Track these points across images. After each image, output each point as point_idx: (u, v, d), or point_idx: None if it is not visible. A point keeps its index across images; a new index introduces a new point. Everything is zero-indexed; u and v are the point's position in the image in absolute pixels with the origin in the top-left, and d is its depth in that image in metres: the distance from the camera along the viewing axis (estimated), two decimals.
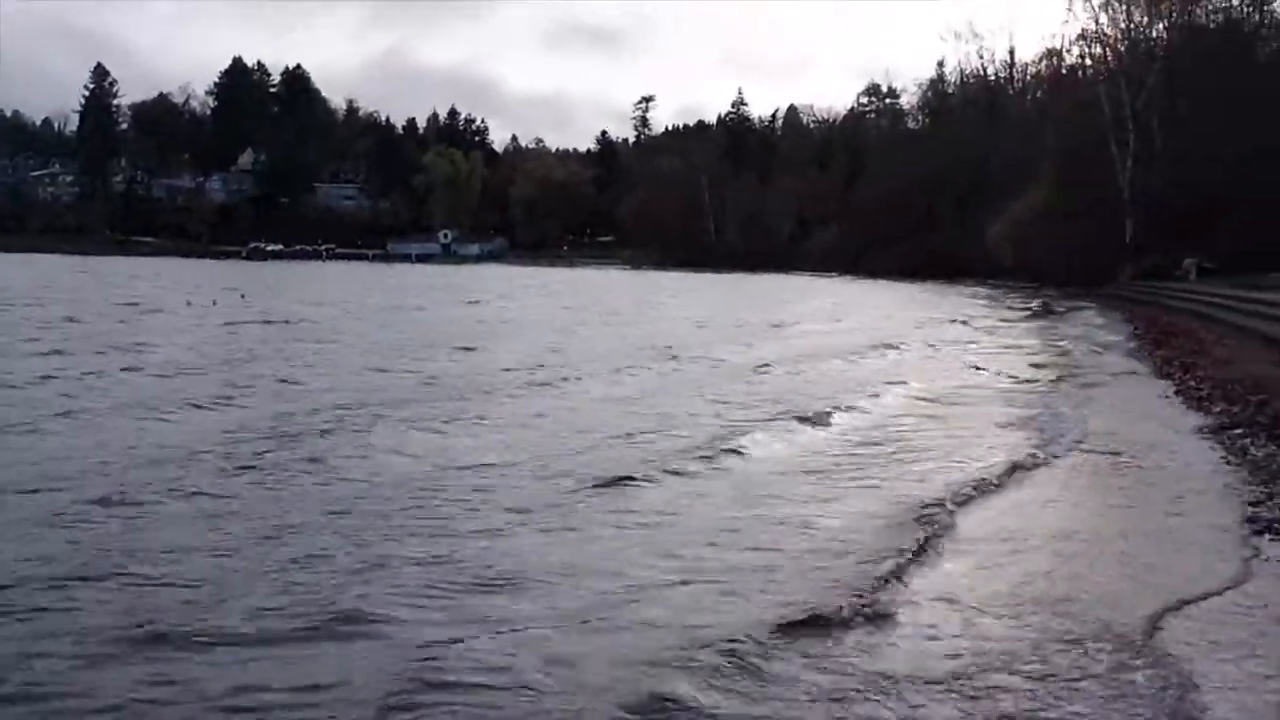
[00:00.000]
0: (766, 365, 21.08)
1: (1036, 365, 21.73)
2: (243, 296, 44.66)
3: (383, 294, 53.58)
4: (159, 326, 29.07)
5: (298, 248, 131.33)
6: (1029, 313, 42.85)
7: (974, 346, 26.54)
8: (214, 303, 40.63)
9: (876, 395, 16.87)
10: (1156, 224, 56.94)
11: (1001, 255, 70.37)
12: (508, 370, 19.62)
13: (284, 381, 17.53)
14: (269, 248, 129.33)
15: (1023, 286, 64.15)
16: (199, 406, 14.25)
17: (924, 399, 16.62)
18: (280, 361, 20.57)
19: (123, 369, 18.54)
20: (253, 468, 10.21)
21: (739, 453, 11.52)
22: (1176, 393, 16.74)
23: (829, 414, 14.31)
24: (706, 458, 11.18)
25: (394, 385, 17.32)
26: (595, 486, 9.66)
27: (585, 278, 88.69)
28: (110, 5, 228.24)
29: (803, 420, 13.76)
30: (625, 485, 9.72)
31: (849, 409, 15.01)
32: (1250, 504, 9.16)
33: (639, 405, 15.49)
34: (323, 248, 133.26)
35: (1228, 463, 11.07)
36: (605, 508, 8.94)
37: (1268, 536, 8.17)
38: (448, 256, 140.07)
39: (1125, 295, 49.04)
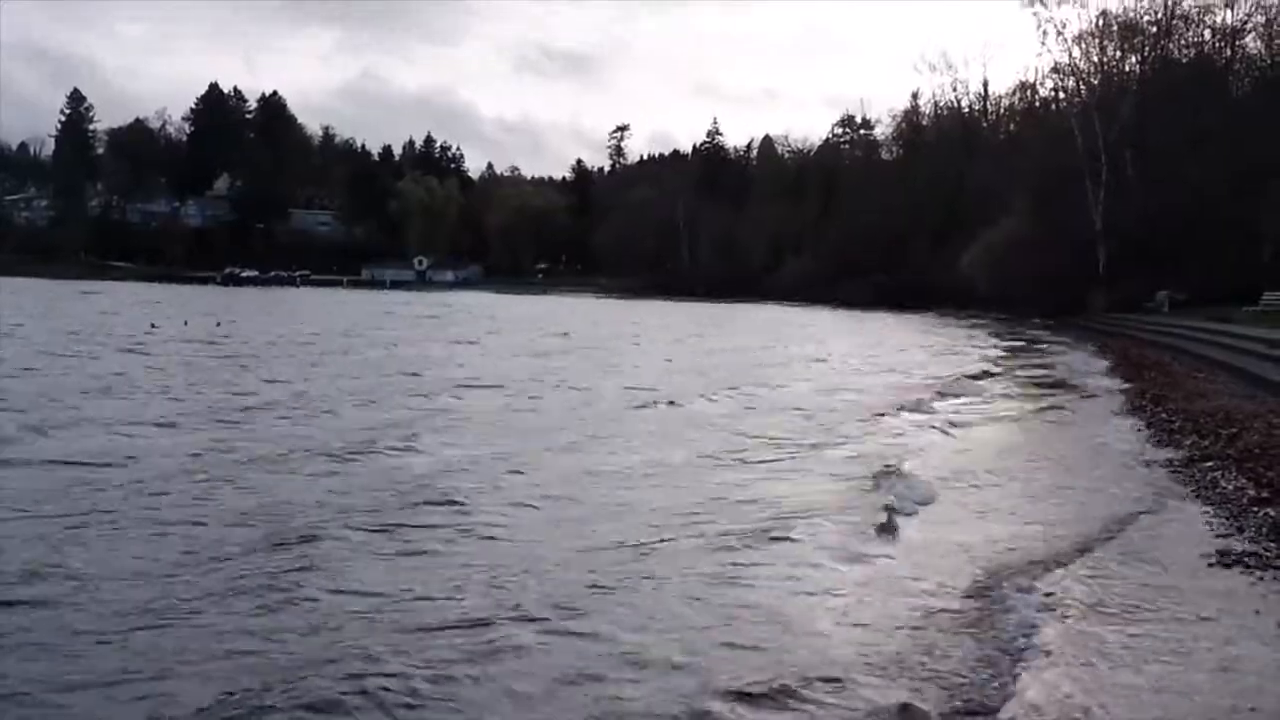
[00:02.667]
0: None
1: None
2: (218, 324, 44.70)
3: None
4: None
5: (273, 273, 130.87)
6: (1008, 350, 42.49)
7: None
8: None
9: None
10: (1129, 254, 57.41)
11: (975, 284, 70.65)
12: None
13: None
14: (244, 273, 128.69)
15: (997, 317, 64.44)
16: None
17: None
18: None
19: None
20: None
21: None
22: (1148, 426, 16.86)
23: None
24: None
25: None
26: None
27: (594, 308, 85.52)
28: (82, 30, 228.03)
29: None
30: None
31: None
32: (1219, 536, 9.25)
33: None
34: (297, 274, 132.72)
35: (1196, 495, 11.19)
36: None
37: (1238, 570, 8.24)
38: (422, 283, 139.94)
39: (1098, 327, 49.33)
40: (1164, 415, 17.61)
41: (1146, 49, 67.81)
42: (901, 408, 19.57)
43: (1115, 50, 68.75)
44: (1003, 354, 37.22)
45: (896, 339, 46.74)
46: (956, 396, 21.96)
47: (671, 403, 19.77)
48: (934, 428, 17.14)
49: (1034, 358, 35.12)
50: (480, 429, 15.88)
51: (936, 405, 20.26)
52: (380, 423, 16.10)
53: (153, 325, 40.96)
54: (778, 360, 32.66)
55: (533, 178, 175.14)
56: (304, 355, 29.75)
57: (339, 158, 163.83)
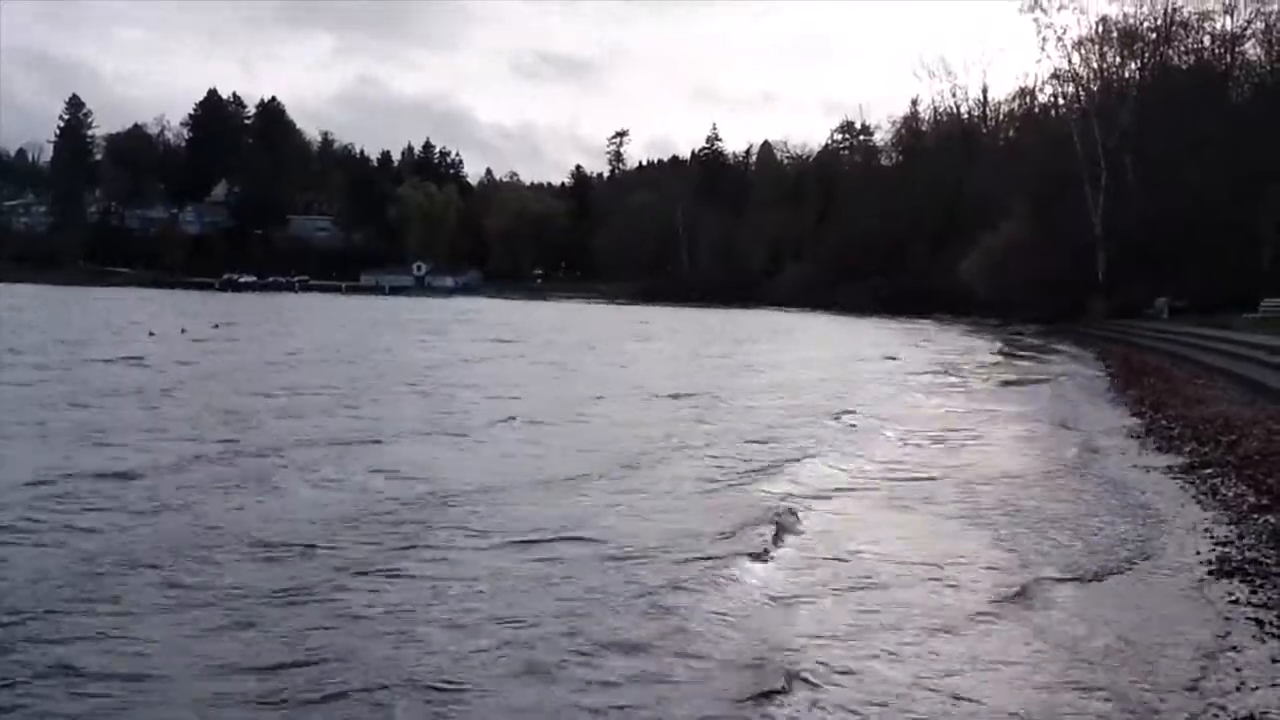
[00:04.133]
0: None
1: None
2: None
3: None
4: None
5: (271, 279, 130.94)
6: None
7: None
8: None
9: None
10: (1129, 260, 57.34)
11: (974, 289, 70.54)
12: None
13: None
14: (242, 279, 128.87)
15: (998, 324, 64.35)
16: None
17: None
18: None
19: None
20: None
21: None
22: (1148, 432, 16.77)
23: None
24: None
25: None
26: None
27: (615, 316, 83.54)
28: (81, 35, 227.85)
29: None
30: None
31: None
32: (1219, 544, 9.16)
33: None
34: (295, 280, 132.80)
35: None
36: None
37: (1238, 579, 8.14)
38: (421, 289, 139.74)
39: (1097, 333, 49.18)
40: (1163, 421, 17.54)
41: (1146, 55, 67.82)
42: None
43: (1115, 56, 68.81)
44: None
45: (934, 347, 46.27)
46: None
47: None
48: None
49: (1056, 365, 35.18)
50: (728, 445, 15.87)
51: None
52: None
53: (182, 330, 42.17)
54: (881, 372, 32.42)
55: (532, 183, 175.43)
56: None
57: (337, 163, 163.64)
